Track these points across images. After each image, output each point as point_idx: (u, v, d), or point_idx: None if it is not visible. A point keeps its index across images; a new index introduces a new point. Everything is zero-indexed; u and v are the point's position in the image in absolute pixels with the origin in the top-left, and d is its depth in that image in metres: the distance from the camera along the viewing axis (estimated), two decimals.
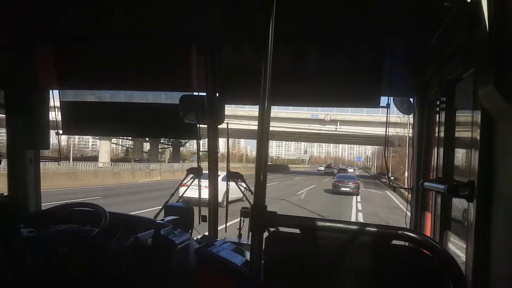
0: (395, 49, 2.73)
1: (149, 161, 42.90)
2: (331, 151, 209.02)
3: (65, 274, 2.34)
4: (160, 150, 53.56)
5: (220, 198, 3.63)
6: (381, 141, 3.11)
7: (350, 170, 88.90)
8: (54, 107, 3.38)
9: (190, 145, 69.30)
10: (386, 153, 3.27)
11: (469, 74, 1.64)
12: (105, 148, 43.47)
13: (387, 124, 2.94)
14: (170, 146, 53.80)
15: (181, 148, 57.92)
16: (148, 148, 49.96)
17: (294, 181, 44.42)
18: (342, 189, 29.18)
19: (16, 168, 3.24)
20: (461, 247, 1.86)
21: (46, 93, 3.34)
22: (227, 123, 3.22)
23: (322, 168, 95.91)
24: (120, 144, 62.74)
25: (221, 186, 3.55)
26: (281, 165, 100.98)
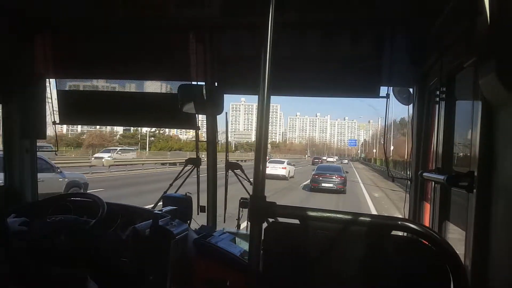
0: (395, 38, 2.70)
1: None
2: (316, 136, 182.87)
3: (62, 264, 2.34)
4: None
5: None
6: None
7: (330, 159, 73.49)
8: (51, 96, 3.35)
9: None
10: (386, 143, 3.27)
11: (470, 64, 1.62)
12: None
13: (386, 114, 2.93)
14: None
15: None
16: None
17: None
18: (323, 184, 21.93)
19: (13, 157, 3.22)
20: (460, 238, 1.86)
21: (43, 82, 3.31)
22: (226, 112, 3.19)
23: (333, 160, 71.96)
24: None
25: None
26: None
